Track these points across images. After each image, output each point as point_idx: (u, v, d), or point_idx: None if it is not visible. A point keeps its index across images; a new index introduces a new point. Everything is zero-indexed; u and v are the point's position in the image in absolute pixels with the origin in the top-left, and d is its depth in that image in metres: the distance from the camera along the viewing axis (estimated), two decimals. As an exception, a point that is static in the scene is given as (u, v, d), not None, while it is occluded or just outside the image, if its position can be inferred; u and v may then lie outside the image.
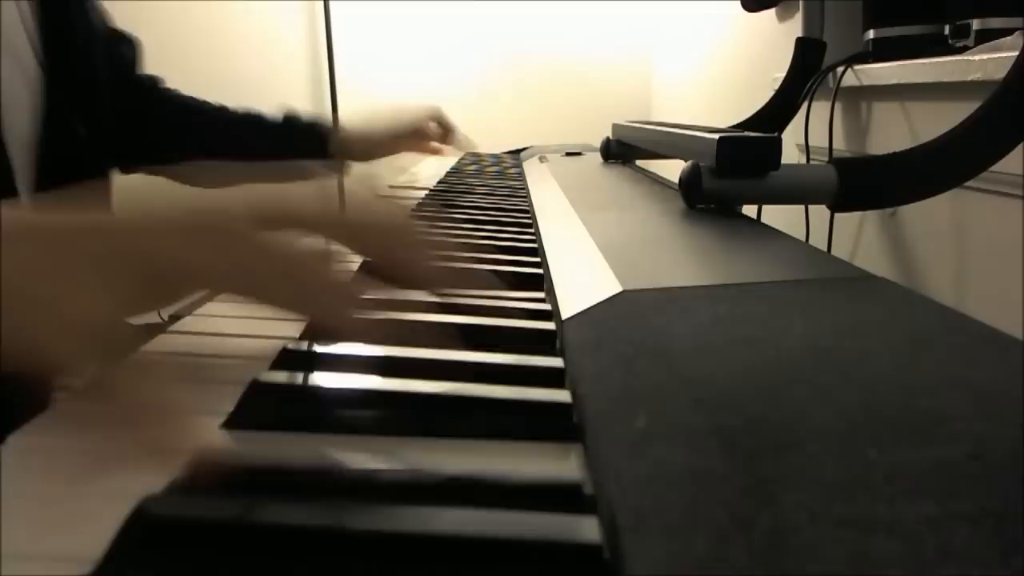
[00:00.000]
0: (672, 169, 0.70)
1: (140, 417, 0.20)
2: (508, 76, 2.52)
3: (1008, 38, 0.77)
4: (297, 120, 0.82)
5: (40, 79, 0.57)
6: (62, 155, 0.59)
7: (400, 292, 0.38)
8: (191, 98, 0.82)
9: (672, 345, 0.25)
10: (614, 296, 0.31)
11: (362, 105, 2.45)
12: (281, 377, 0.26)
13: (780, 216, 0.87)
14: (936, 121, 0.89)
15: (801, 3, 1.16)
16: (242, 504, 0.17)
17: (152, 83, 0.81)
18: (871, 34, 1.04)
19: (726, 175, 0.52)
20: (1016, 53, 0.56)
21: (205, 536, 0.17)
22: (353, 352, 0.29)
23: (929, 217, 0.94)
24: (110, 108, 0.68)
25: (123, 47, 0.76)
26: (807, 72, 1.11)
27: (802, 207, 1.15)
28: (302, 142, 0.79)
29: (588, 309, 0.32)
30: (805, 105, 1.12)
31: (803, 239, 1.03)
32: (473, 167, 1.09)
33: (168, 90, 0.82)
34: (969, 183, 0.62)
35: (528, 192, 0.80)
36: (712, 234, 0.44)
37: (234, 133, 0.80)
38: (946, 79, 0.83)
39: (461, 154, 0.93)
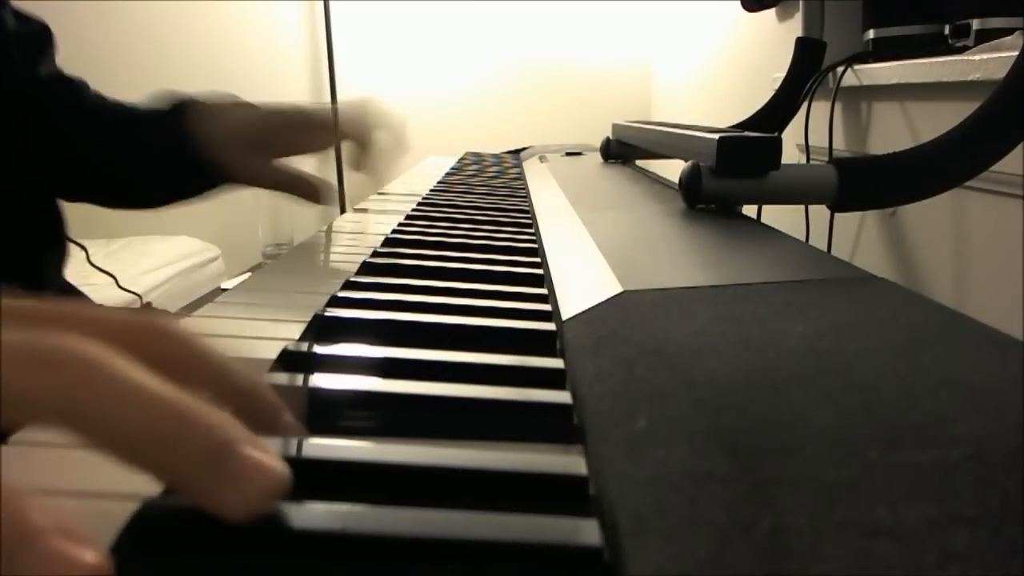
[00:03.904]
0: (672, 169, 0.70)
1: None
2: (508, 76, 2.52)
3: (1008, 38, 0.77)
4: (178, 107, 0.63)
5: None
6: None
7: (397, 293, 0.38)
8: (104, 104, 0.66)
9: (672, 346, 0.25)
10: (614, 297, 0.31)
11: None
12: (281, 379, 0.26)
13: (780, 216, 0.87)
14: (936, 121, 0.89)
15: (801, 3, 1.16)
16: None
17: (59, 81, 0.65)
18: (871, 34, 1.04)
19: (726, 175, 0.52)
20: (1016, 53, 0.56)
21: (204, 539, 0.17)
22: (353, 354, 0.29)
23: (929, 217, 0.94)
24: None
25: (18, 28, 0.61)
26: (807, 72, 1.11)
27: (802, 207, 1.15)
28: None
29: (588, 310, 0.32)
30: (805, 105, 1.12)
31: (803, 239, 1.03)
32: (473, 167, 1.09)
33: (82, 93, 0.66)
34: (969, 183, 0.62)
35: (528, 192, 0.80)
36: (712, 234, 0.44)
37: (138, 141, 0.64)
38: (946, 79, 0.83)
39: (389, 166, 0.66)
